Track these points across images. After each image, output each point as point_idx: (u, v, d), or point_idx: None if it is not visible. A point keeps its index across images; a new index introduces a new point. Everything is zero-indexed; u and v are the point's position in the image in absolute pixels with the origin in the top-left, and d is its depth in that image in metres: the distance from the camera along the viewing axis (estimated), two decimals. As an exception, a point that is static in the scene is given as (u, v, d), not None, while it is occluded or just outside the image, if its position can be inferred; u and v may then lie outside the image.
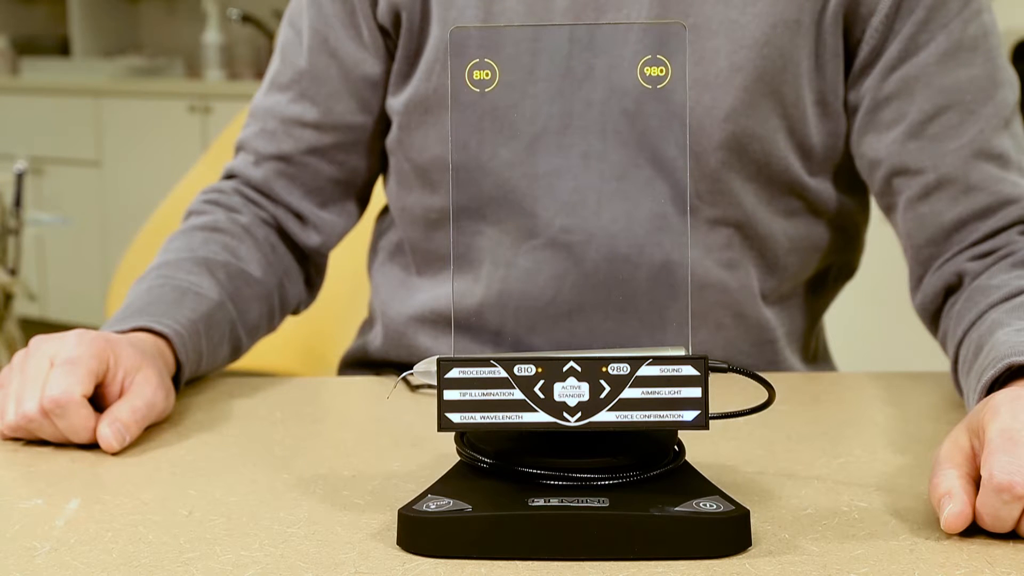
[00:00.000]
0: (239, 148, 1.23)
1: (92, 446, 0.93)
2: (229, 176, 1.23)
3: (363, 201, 1.25)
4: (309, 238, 1.22)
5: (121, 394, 0.95)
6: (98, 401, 0.95)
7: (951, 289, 1.09)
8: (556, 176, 1.10)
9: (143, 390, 0.95)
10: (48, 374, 0.93)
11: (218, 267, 1.13)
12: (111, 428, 0.92)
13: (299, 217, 1.21)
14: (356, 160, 1.20)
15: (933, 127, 1.08)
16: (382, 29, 1.16)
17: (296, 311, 1.26)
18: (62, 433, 0.93)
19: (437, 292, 1.18)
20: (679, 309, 0.82)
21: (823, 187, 1.14)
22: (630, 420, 0.73)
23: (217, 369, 1.13)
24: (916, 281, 1.12)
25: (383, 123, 1.20)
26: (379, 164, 1.23)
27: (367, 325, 1.30)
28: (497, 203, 1.11)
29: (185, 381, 1.05)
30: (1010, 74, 1.10)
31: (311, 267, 1.25)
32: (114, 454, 0.92)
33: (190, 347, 1.05)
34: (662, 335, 1.08)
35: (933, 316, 1.11)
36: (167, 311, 1.05)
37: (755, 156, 1.10)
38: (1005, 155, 1.08)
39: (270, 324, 1.20)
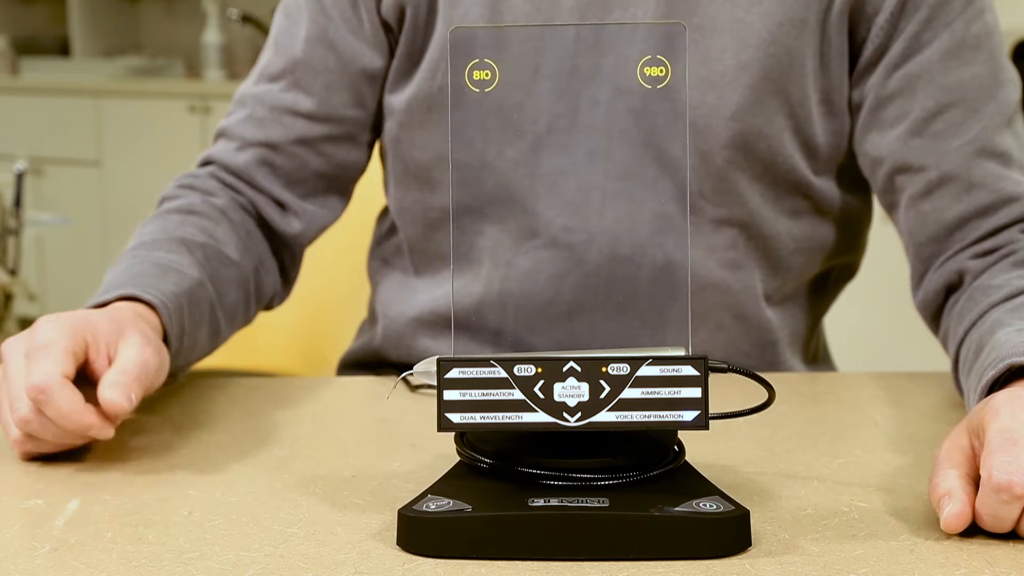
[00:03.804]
0: (219, 135, 1.20)
1: (91, 447, 0.92)
2: (205, 163, 1.20)
3: (345, 197, 1.23)
4: (289, 225, 1.19)
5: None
6: (94, 384, 0.90)
7: (952, 288, 1.09)
8: (560, 175, 1.10)
9: (128, 352, 0.90)
10: (26, 369, 0.88)
11: (196, 247, 1.09)
12: (112, 390, 0.87)
13: (279, 204, 1.19)
14: (343, 154, 1.19)
15: (936, 125, 1.08)
16: (385, 24, 1.15)
17: (269, 306, 1.22)
18: (58, 425, 0.87)
19: (436, 293, 1.18)
20: (680, 309, 0.82)
21: (827, 186, 1.15)
22: (630, 420, 0.73)
23: (196, 358, 1.07)
24: (917, 279, 1.12)
25: (376, 119, 1.19)
26: (366, 161, 1.22)
27: (367, 325, 1.30)
28: (499, 202, 1.11)
29: (173, 352, 1.00)
30: (1012, 73, 1.11)
31: (286, 257, 1.21)
32: (114, 454, 0.91)
33: (175, 320, 1.00)
34: (663, 335, 1.08)
35: (934, 314, 1.11)
36: (150, 283, 1.00)
37: (761, 155, 1.10)
38: (1007, 153, 1.08)
39: (246, 313, 1.15)
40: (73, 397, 0.86)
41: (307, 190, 1.19)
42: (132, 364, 0.89)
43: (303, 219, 1.19)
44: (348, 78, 1.16)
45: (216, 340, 1.10)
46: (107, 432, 0.88)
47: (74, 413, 0.86)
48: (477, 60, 0.79)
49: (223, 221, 1.14)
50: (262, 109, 1.17)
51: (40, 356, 0.87)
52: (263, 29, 4.75)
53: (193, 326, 1.03)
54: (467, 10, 1.11)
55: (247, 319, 1.16)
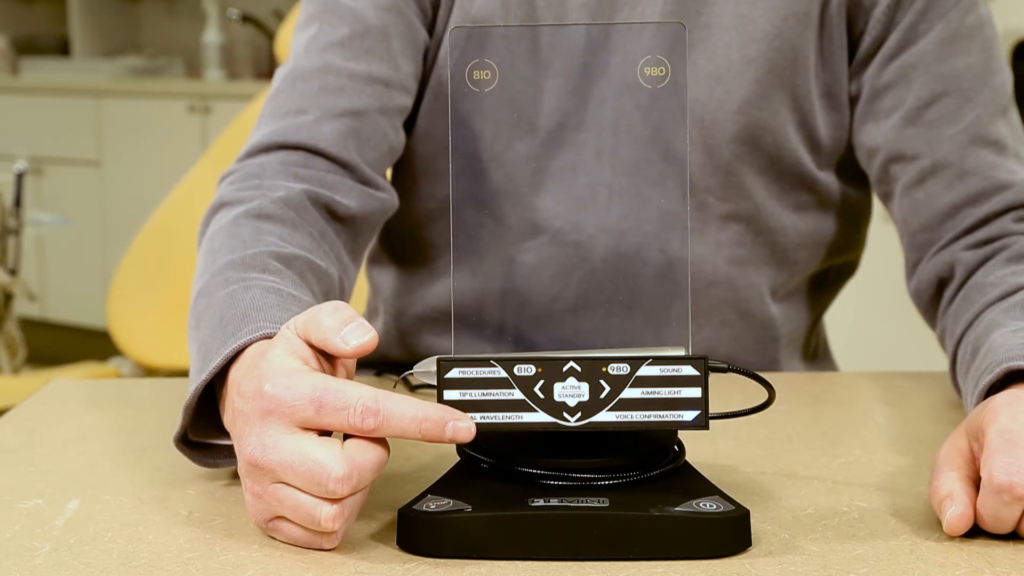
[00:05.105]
0: (279, 115, 1.07)
1: (90, 448, 0.92)
2: (268, 149, 1.06)
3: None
4: (369, 206, 1.07)
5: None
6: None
7: (944, 279, 1.09)
8: (568, 172, 1.10)
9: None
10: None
11: (290, 261, 0.94)
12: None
13: (364, 182, 1.07)
14: (402, 133, 1.12)
15: (930, 113, 1.09)
16: (432, 3, 1.13)
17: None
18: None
19: (438, 289, 1.18)
20: (682, 307, 0.82)
21: (830, 180, 1.16)
22: (630, 420, 0.73)
23: None
24: (911, 267, 1.13)
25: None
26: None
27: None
28: (503, 197, 1.11)
29: None
30: (1005, 65, 1.12)
31: (361, 246, 1.09)
32: (114, 454, 0.91)
33: None
34: (666, 333, 1.08)
35: (927, 304, 1.11)
36: (277, 316, 0.82)
37: (767, 149, 1.11)
38: (1001, 141, 1.09)
39: None
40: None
41: (382, 169, 1.10)
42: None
43: (383, 200, 1.09)
44: (413, 48, 1.11)
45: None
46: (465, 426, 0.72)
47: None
48: (477, 60, 0.79)
49: (300, 224, 1.00)
50: (336, 78, 1.07)
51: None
52: (263, 29, 4.75)
53: None
54: (482, 6, 1.10)
55: None
